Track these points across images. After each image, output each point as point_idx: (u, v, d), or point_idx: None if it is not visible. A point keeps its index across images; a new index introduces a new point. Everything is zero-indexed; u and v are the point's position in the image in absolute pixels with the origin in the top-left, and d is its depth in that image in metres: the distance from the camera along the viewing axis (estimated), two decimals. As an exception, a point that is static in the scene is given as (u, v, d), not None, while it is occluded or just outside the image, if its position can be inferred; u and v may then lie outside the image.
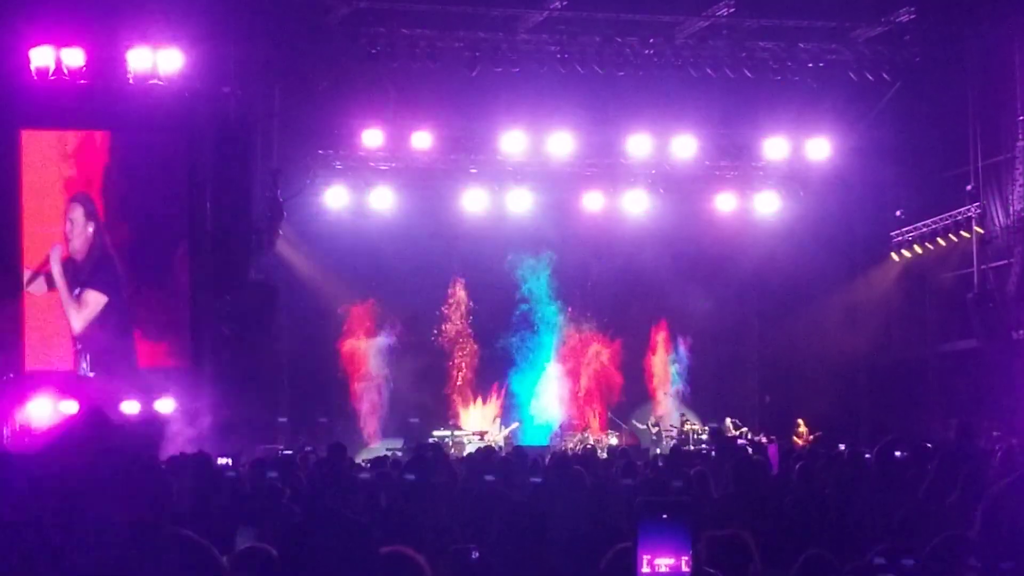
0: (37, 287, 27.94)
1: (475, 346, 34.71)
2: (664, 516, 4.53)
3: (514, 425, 33.09)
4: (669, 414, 34.29)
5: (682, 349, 35.14)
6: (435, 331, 34.43)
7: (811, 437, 31.07)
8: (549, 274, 34.29)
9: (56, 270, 27.96)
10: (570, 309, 34.88)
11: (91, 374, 26.71)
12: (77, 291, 27.95)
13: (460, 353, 34.70)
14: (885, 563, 6.94)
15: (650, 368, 35.25)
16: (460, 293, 34.69)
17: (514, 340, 34.48)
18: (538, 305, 34.51)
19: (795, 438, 30.56)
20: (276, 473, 14.31)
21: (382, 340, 33.53)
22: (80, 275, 28.09)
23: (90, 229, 28.29)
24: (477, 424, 33.40)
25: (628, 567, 4.57)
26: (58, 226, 28.15)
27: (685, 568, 4.46)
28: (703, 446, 29.67)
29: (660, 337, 35.27)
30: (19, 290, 27.89)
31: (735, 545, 7.40)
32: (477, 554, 8.42)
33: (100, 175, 28.49)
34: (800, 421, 31.68)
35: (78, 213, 28.33)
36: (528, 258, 34.14)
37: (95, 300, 28.08)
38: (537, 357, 34.63)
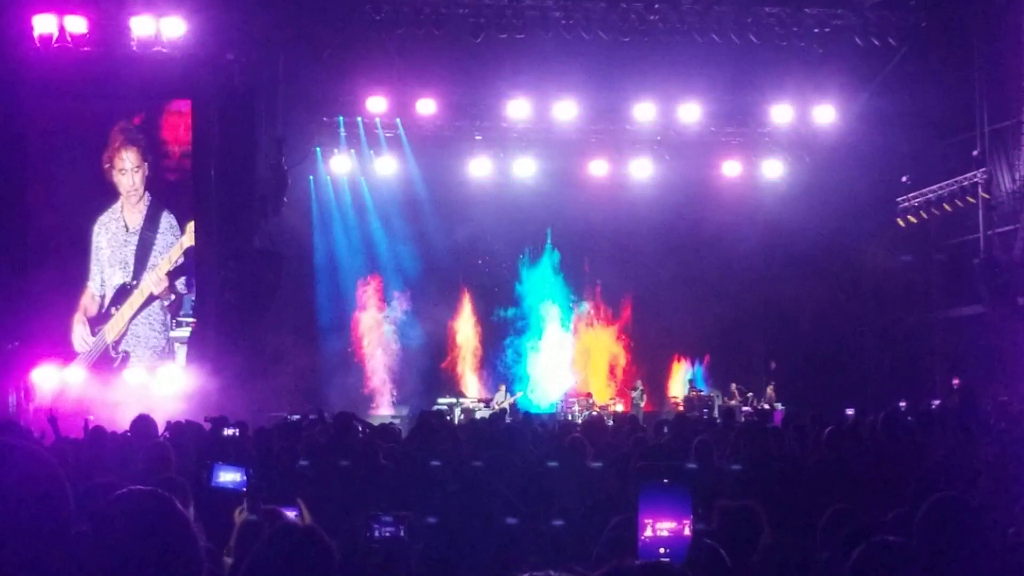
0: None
1: (481, 314, 34.72)
2: (665, 481, 4.54)
3: (519, 394, 33.10)
4: (682, 382, 34.35)
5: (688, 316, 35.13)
6: (440, 299, 34.42)
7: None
8: (554, 242, 34.27)
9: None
10: (575, 277, 34.85)
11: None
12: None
13: (465, 321, 34.71)
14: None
15: (658, 336, 35.29)
16: (465, 261, 34.66)
17: (519, 308, 34.47)
18: (543, 273, 34.49)
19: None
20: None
21: (387, 308, 33.55)
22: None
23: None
24: (481, 392, 33.46)
25: (631, 534, 4.57)
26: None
27: (687, 532, 4.47)
28: (706, 412, 29.74)
29: (667, 304, 35.27)
30: (25, 259, 27.95)
31: (746, 516, 7.39)
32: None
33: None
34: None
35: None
36: (533, 225, 34.14)
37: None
38: (542, 325, 34.62)
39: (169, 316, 28.81)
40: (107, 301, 28.68)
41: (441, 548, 7.81)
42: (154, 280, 28.76)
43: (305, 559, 4.53)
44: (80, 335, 28.44)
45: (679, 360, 35.08)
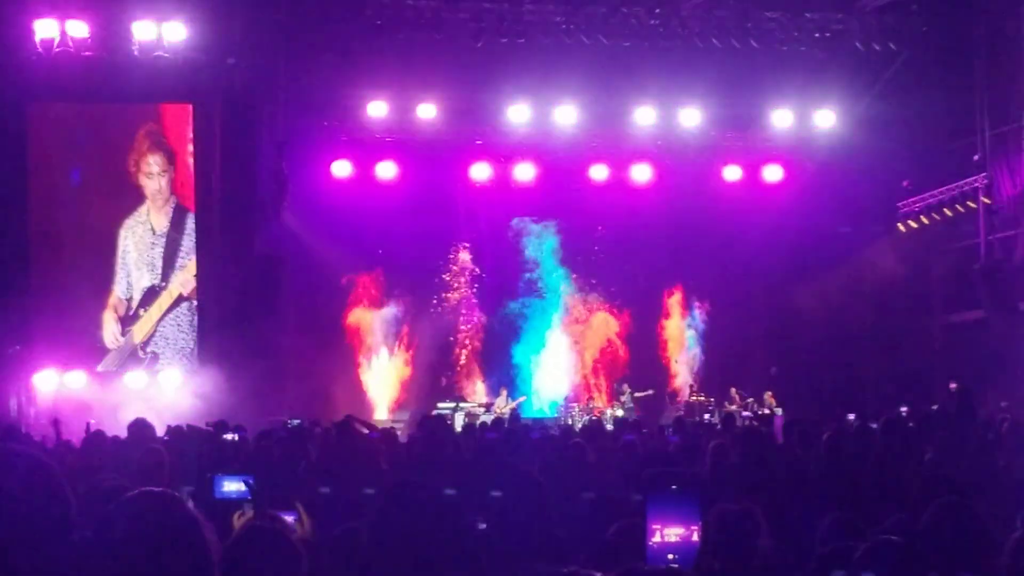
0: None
1: (481, 318, 34.67)
2: (674, 488, 4.53)
3: (521, 398, 33.03)
4: (685, 385, 34.27)
5: (691, 318, 35.10)
6: (440, 303, 34.39)
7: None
8: (554, 247, 34.22)
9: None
10: (576, 282, 34.80)
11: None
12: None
13: (465, 325, 34.67)
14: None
15: (662, 338, 35.24)
16: (465, 266, 34.65)
17: (520, 313, 34.42)
18: (544, 278, 34.45)
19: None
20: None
21: (388, 312, 33.52)
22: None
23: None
24: (482, 396, 33.41)
25: (635, 539, 4.56)
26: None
27: (695, 538, 4.46)
28: (706, 416, 29.70)
29: (670, 306, 35.23)
30: (27, 264, 27.97)
31: (744, 519, 7.36)
32: (483, 526, 8.39)
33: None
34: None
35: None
36: (533, 230, 34.09)
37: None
38: (543, 330, 34.57)
39: (196, 318, 28.93)
40: (135, 303, 28.84)
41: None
42: (181, 281, 28.86)
43: (270, 560, 4.50)
44: (112, 332, 28.61)
45: (684, 362, 35.02)
